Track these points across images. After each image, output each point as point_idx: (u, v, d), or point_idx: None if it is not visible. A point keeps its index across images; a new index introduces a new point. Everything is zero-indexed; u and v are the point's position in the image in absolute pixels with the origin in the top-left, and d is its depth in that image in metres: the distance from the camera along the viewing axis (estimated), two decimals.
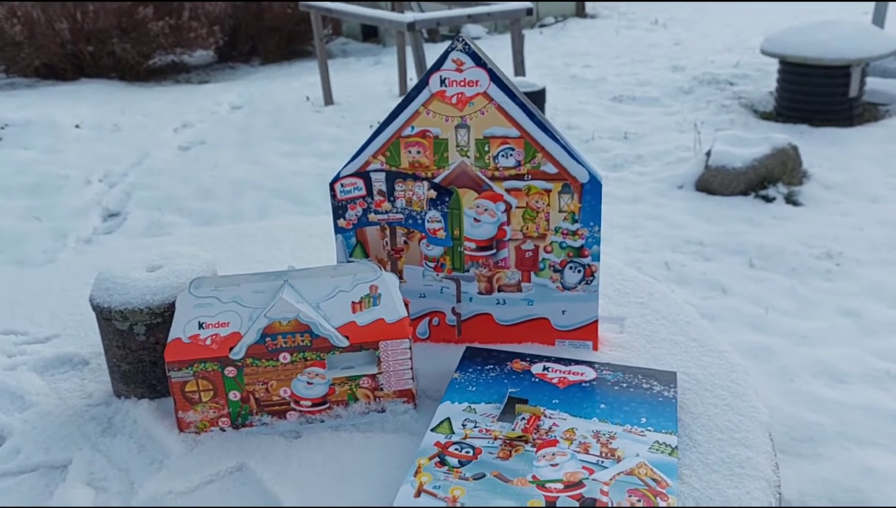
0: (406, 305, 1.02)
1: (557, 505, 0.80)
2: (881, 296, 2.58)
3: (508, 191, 1.06)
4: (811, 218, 3.27)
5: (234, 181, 3.61)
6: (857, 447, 1.78)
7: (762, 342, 2.29)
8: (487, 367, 1.04)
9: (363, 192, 1.08)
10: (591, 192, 1.05)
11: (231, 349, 0.95)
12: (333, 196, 1.09)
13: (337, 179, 1.08)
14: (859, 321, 2.44)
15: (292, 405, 0.98)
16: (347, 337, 0.96)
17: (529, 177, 1.06)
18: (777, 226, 3.19)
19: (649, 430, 0.91)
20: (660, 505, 0.79)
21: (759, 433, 0.95)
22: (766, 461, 0.90)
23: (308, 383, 0.97)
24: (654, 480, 0.83)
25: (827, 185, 3.58)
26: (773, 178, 3.52)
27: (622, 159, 4.07)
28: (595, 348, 1.12)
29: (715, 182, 3.53)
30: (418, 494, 0.81)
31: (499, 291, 1.12)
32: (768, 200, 3.44)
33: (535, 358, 1.06)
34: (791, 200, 3.45)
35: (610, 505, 0.79)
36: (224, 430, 0.99)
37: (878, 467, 1.67)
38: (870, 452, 1.76)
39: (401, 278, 1.12)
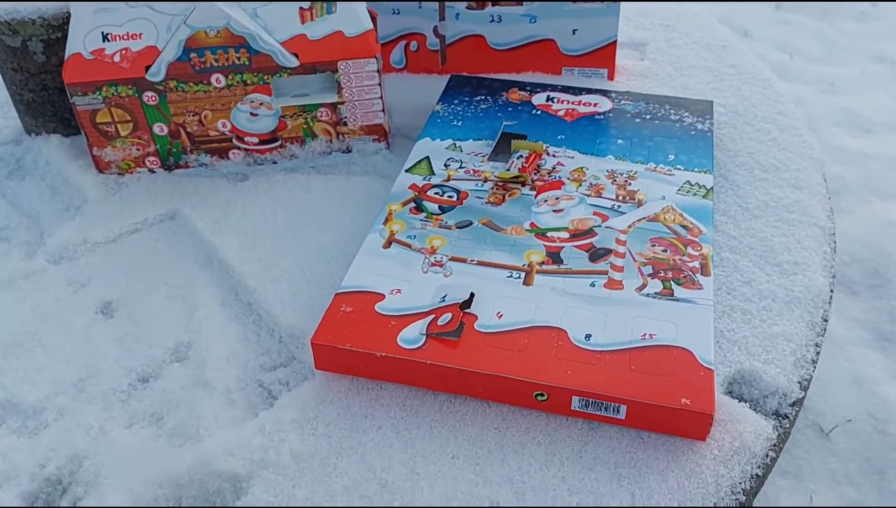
0: (373, 19, 0.80)
1: (561, 257, 0.63)
2: None
3: None
4: None
5: None
6: (879, 200, 1.63)
7: (786, 90, 2.06)
8: (477, 98, 0.84)
9: None
10: None
11: (147, 67, 0.74)
12: None
13: None
14: (892, 67, 2.20)
15: (235, 141, 0.79)
16: (296, 55, 0.74)
17: None
18: None
19: (678, 169, 0.73)
20: (691, 254, 0.63)
21: (812, 171, 0.77)
22: (819, 204, 0.73)
23: (251, 114, 0.77)
24: (683, 227, 0.66)
25: None
26: None
27: None
28: (611, 77, 0.91)
29: None
30: (388, 244, 0.65)
31: (493, 4, 0.88)
32: None
33: (536, 87, 0.85)
34: None
35: (627, 256, 0.63)
36: (153, 172, 0.80)
37: None
38: (893, 205, 1.62)
39: None
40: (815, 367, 0.60)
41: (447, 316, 0.58)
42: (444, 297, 0.60)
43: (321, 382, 0.58)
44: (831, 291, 0.66)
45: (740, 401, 0.57)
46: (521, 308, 0.59)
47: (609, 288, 0.60)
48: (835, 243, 0.71)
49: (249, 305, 0.66)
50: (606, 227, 0.66)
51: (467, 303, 0.59)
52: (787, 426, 0.56)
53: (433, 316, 0.58)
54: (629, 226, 0.66)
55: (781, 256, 0.67)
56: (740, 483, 0.52)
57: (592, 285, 0.61)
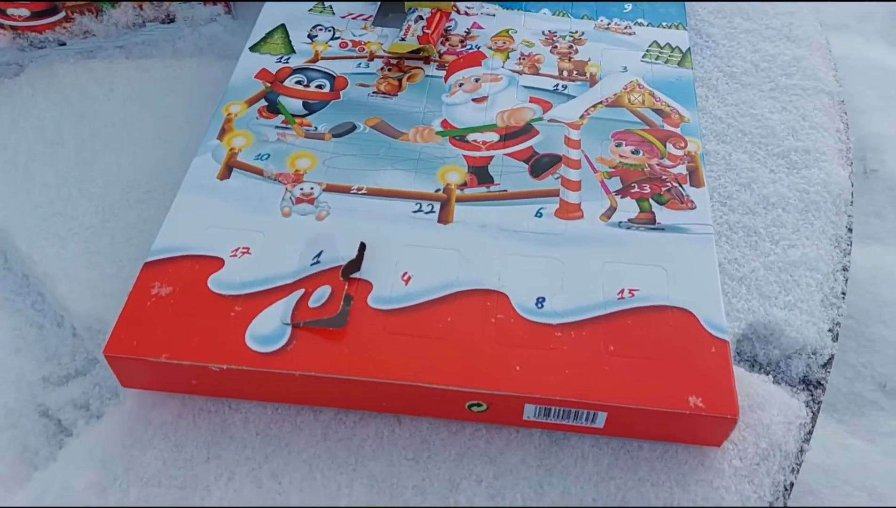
0: None
1: (490, 173, 0.43)
2: None
3: None
4: None
5: None
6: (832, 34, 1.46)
7: None
8: None
9: None
10: None
11: None
12: None
13: None
14: None
15: None
16: None
17: None
18: None
19: (640, 24, 0.52)
20: (673, 155, 0.43)
21: (807, 14, 0.58)
22: (822, 60, 0.55)
23: None
24: (657, 112, 0.46)
25: None
26: None
27: None
28: None
29: None
30: (226, 172, 0.42)
31: None
32: None
33: None
34: None
35: (584, 165, 0.43)
36: None
37: (850, 55, 1.38)
38: (842, 38, 1.45)
39: None
40: (844, 303, 0.43)
41: (324, 291, 0.37)
42: (319, 256, 0.39)
43: (134, 407, 0.37)
44: (852, 184, 0.48)
45: (756, 369, 0.40)
46: (439, 264, 0.38)
47: (563, 217, 0.41)
48: (846, 113, 0.53)
49: (26, 278, 0.43)
50: (550, 120, 0.45)
51: (355, 264, 0.38)
52: (820, 396, 0.40)
53: (301, 292, 0.37)
54: (582, 116, 0.46)
55: (786, 141, 0.49)
56: (775, 501, 0.35)
57: (539, 214, 0.41)
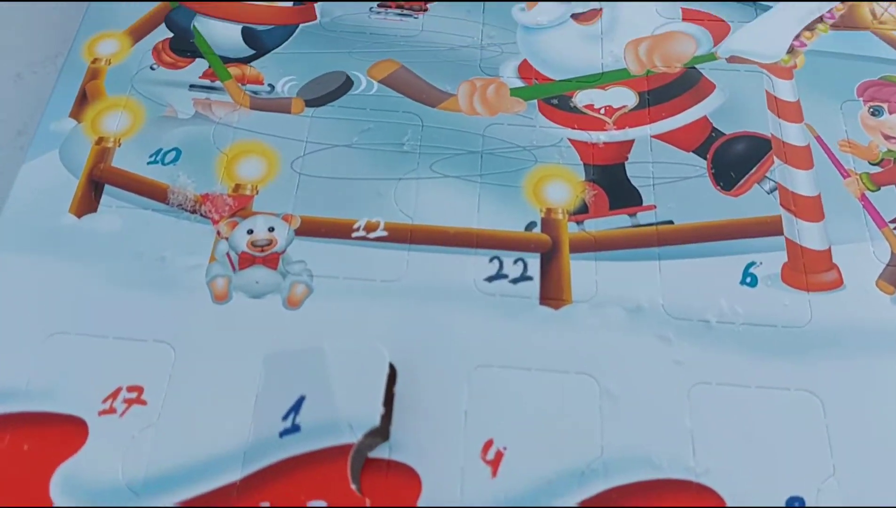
0: None
1: (630, 178, 0.21)
2: None
3: None
4: None
5: None
6: None
7: None
8: None
9: None
10: None
11: None
12: None
13: None
14: None
15: None
16: None
17: None
18: None
19: None
20: None
21: None
22: None
23: None
24: None
25: None
26: None
27: None
28: None
29: None
30: (89, 197, 0.20)
31: None
32: None
33: None
34: None
35: (816, 155, 0.21)
36: None
37: None
38: None
39: None
40: None
41: None
42: (296, 411, 0.17)
43: None
44: None
45: None
46: (559, 414, 0.18)
47: (798, 285, 0.20)
48: None
49: None
50: (731, 60, 0.23)
51: (378, 432, 0.17)
52: None
53: None
54: (791, 50, 0.24)
55: None
56: None
57: (750, 277, 0.20)
